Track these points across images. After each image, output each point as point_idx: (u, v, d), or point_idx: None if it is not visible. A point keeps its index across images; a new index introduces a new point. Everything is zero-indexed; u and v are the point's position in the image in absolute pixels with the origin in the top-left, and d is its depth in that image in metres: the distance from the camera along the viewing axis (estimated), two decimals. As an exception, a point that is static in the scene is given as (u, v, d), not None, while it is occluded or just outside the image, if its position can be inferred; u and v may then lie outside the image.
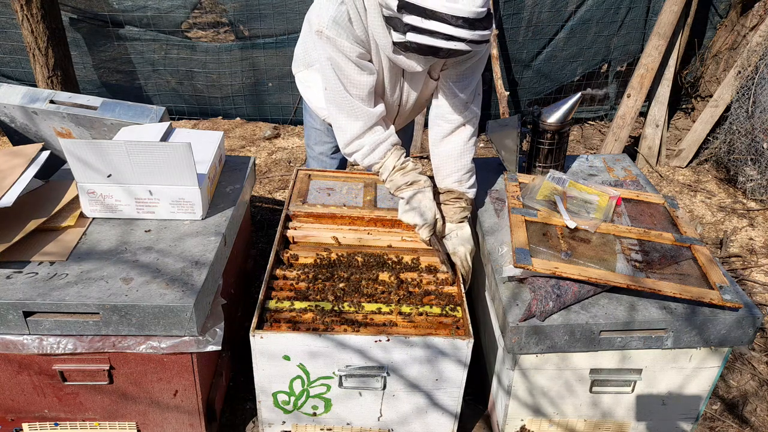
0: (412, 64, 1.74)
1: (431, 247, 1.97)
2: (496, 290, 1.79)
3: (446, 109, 1.95)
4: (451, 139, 1.98)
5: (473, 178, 2.03)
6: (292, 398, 1.75)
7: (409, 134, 2.56)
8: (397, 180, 1.96)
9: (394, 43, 1.65)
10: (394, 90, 1.96)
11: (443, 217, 2.00)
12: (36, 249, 1.75)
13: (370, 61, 1.84)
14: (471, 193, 2.03)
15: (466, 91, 1.91)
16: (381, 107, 1.93)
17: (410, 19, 1.51)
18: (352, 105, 1.87)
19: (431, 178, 2.08)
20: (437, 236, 1.95)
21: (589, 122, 4.75)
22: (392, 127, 2.00)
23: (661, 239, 1.92)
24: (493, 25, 1.74)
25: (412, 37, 1.54)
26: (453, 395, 1.76)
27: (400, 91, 1.97)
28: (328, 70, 1.83)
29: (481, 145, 4.36)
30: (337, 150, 2.45)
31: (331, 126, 2.33)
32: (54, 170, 2.16)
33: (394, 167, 1.96)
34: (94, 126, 2.34)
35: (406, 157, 2.01)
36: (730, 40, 4.33)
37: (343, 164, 2.53)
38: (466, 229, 1.97)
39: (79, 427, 1.83)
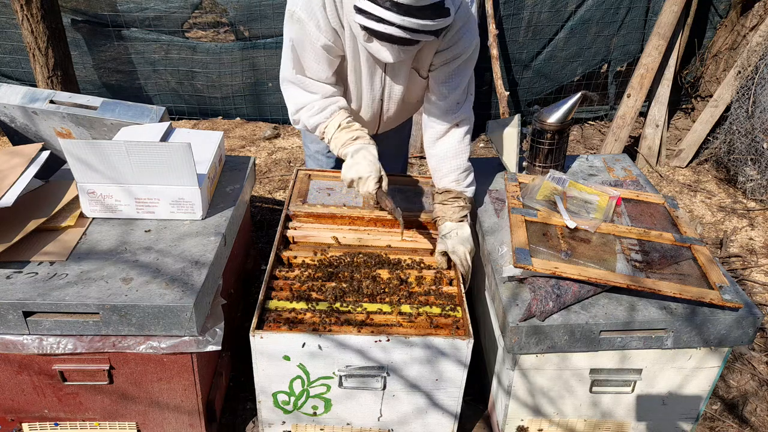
0: (382, 52, 1.70)
1: (377, 204, 1.90)
2: (496, 290, 1.79)
3: (438, 111, 1.94)
4: (445, 140, 1.97)
5: (471, 177, 2.03)
6: (292, 398, 1.75)
7: (406, 133, 2.54)
8: (342, 136, 1.90)
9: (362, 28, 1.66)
10: (373, 81, 1.93)
11: (442, 217, 2.00)
12: (36, 249, 1.75)
13: (340, 55, 1.84)
14: (469, 192, 2.02)
15: (456, 92, 1.91)
16: (337, 88, 1.92)
17: (356, 0, 1.57)
18: (306, 83, 1.88)
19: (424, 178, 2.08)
20: (383, 191, 1.88)
21: (589, 122, 4.75)
22: (343, 99, 1.95)
23: (661, 239, 1.92)
24: (460, 11, 1.72)
25: (357, 17, 1.58)
26: (453, 395, 1.76)
27: (381, 83, 1.95)
28: (289, 50, 1.83)
29: (481, 145, 4.36)
30: None
31: None
32: (54, 170, 2.16)
33: (339, 125, 1.90)
34: (94, 126, 2.34)
35: (355, 121, 1.94)
36: (730, 40, 4.33)
37: (339, 163, 2.52)
38: (466, 228, 1.97)
39: (79, 427, 1.83)
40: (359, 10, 1.56)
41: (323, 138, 1.96)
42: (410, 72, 1.93)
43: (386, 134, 2.35)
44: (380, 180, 1.85)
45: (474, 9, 1.82)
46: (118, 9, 4.02)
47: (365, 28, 1.59)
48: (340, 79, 1.95)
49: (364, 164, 1.83)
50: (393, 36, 1.55)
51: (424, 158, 3.96)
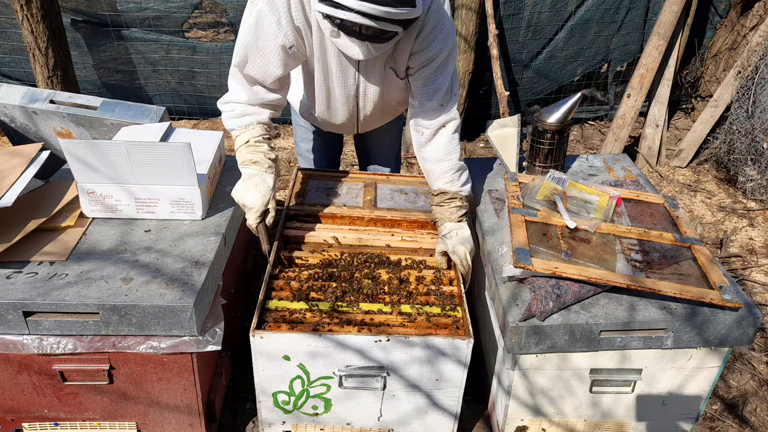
0: (350, 48, 1.67)
1: (257, 234, 1.88)
2: (496, 290, 1.79)
3: (423, 114, 1.92)
4: (434, 143, 1.96)
5: (465, 176, 2.02)
6: (292, 398, 1.75)
7: (396, 133, 2.50)
8: (243, 154, 1.87)
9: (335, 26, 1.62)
10: (346, 79, 1.91)
11: (441, 218, 1.99)
12: (36, 249, 1.75)
13: (299, 57, 1.82)
14: (465, 191, 2.02)
15: (438, 94, 1.89)
16: (275, 96, 1.88)
17: None
18: (241, 81, 1.84)
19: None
20: (265, 225, 1.88)
21: (589, 122, 4.75)
22: (269, 112, 1.91)
23: (661, 239, 1.92)
24: (432, 8, 1.68)
25: (317, 6, 1.55)
26: (453, 395, 1.76)
27: (355, 81, 1.92)
28: (242, 40, 1.77)
29: (481, 145, 4.36)
30: (323, 147, 2.44)
31: (314, 125, 2.32)
32: (54, 170, 2.16)
33: (247, 141, 1.87)
34: (94, 126, 2.34)
35: (269, 140, 1.91)
36: (730, 40, 4.33)
37: (330, 161, 2.51)
38: (466, 228, 1.97)
39: (79, 427, 1.83)
40: None
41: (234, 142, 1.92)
42: (387, 72, 1.91)
43: (375, 135, 2.35)
44: (265, 213, 1.85)
45: (446, 8, 1.79)
46: (118, 9, 4.02)
47: (327, 17, 1.56)
48: (284, 84, 1.91)
49: (253, 194, 1.82)
50: (355, 23, 1.52)
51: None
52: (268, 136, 1.91)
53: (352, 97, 1.98)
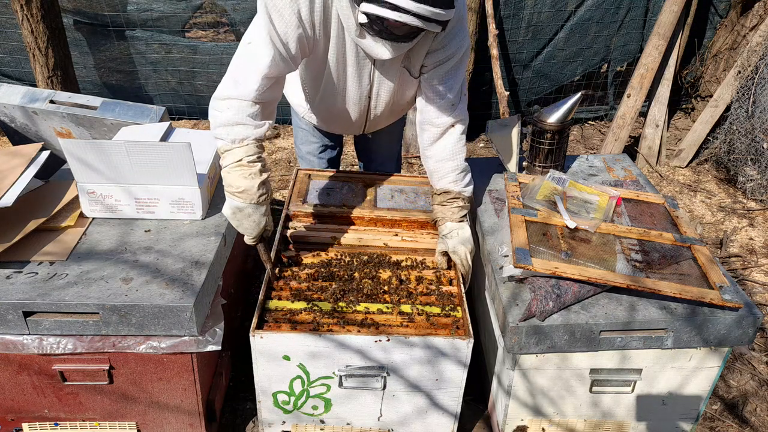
0: (376, 48, 1.66)
1: (260, 253, 1.85)
2: (496, 290, 1.79)
3: (433, 113, 1.92)
4: (442, 142, 1.95)
5: (468, 176, 2.02)
6: (292, 398, 1.75)
7: (397, 133, 2.50)
8: (233, 177, 1.70)
9: (360, 25, 1.59)
10: (361, 77, 1.88)
11: (442, 218, 1.99)
12: (36, 249, 1.75)
13: (304, 54, 1.76)
14: (468, 192, 2.02)
15: (451, 93, 1.88)
16: (278, 94, 1.79)
17: None
18: (258, 69, 1.71)
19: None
20: (265, 242, 1.84)
21: (589, 122, 4.75)
22: (267, 123, 1.76)
23: (661, 239, 1.92)
24: (455, 8, 1.67)
25: (364, 6, 1.52)
26: (453, 395, 1.76)
27: (370, 79, 1.90)
28: (256, 29, 1.70)
29: (481, 145, 4.36)
30: (324, 149, 2.44)
31: (316, 127, 2.31)
32: (54, 170, 2.16)
33: (239, 160, 1.70)
34: (94, 126, 2.34)
35: (261, 159, 1.75)
36: (730, 40, 4.33)
37: (331, 163, 2.51)
38: (467, 229, 1.96)
39: (79, 427, 1.83)
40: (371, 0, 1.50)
41: (220, 155, 1.75)
42: (401, 71, 1.89)
43: (376, 135, 2.34)
44: (261, 236, 1.81)
45: (465, 8, 1.79)
46: (118, 9, 4.02)
47: (375, 18, 1.52)
48: (283, 82, 1.82)
49: (246, 225, 1.76)
50: (407, 24, 1.50)
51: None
52: (261, 154, 1.75)
53: (365, 97, 1.97)
